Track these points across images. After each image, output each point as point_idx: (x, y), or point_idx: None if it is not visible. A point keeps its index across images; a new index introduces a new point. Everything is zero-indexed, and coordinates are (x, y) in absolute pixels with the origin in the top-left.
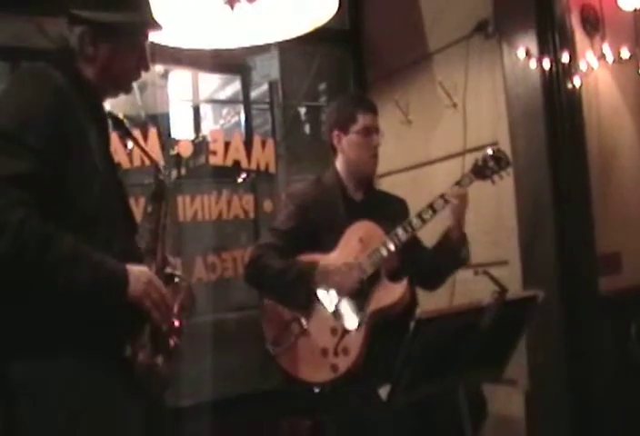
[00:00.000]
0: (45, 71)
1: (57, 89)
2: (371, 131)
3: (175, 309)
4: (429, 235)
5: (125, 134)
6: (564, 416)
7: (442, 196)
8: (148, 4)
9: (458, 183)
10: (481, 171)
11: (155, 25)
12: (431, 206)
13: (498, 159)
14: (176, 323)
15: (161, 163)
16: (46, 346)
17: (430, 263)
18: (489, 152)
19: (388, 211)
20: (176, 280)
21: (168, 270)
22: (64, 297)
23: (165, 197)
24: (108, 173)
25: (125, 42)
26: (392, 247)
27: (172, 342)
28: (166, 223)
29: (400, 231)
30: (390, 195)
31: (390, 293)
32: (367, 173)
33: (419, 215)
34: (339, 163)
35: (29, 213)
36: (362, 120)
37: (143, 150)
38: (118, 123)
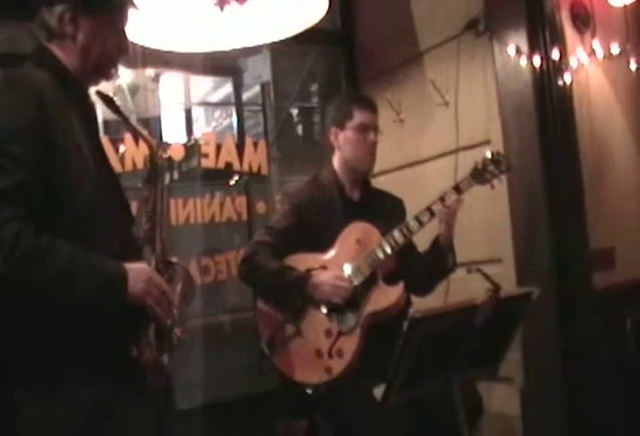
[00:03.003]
0: (23, 76)
1: (39, 95)
2: (368, 128)
3: (177, 299)
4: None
5: (116, 113)
6: (559, 413)
7: (440, 199)
8: None
9: (456, 187)
10: (481, 175)
11: (134, 3)
12: (429, 209)
13: (498, 162)
14: (177, 314)
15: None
16: (50, 360)
17: (421, 269)
18: (488, 155)
19: (385, 210)
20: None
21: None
22: (64, 306)
23: (161, 178)
24: (99, 165)
25: (105, 19)
26: (388, 250)
27: (175, 337)
28: (164, 208)
29: (397, 233)
30: (387, 194)
31: (386, 296)
32: (363, 170)
33: (416, 218)
34: (336, 161)
35: (22, 227)
36: (358, 116)
37: (136, 130)
38: (108, 102)
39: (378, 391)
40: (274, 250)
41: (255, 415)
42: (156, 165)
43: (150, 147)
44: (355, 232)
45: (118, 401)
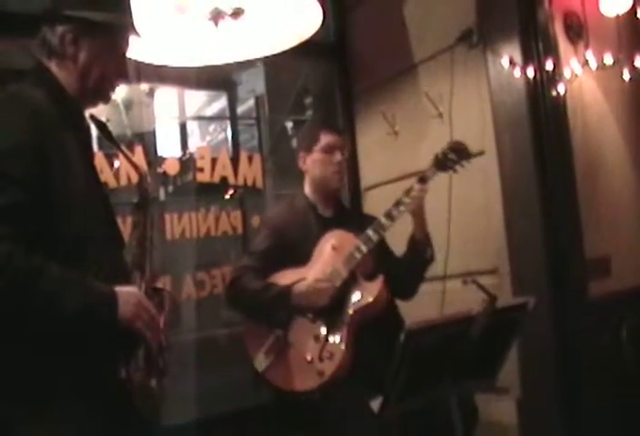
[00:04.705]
0: (21, 94)
1: (36, 113)
2: (333, 148)
3: (162, 324)
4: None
5: (108, 139)
6: (556, 423)
7: (407, 193)
8: (129, 7)
9: (421, 179)
10: (442, 163)
11: (135, 30)
12: (397, 203)
13: (457, 150)
14: (164, 341)
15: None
16: (40, 383)
17: (402, 270)
18: (447, 145)
19: (358, 227)
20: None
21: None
22: (53, 327)
23: (149, 206)
24: (92, 187)
25: (106, 42)
26: (365, 249)
27: (162, 362)
28: (153, 235)
29: (371, 232)
30: (361, 213)
31: (368, 292)
32: (332, 188)
33: (387, 214)
34: (307, 184)
35: (14, 248)
36: (324, 138)
37: (126, 156)
38: (101, 127)
39: (375, 404)
40: (256, 272)
41: (251, 429)
42: (146, 192)
43: (139, 174)
44: (330, 239)
45: (104, 423)
